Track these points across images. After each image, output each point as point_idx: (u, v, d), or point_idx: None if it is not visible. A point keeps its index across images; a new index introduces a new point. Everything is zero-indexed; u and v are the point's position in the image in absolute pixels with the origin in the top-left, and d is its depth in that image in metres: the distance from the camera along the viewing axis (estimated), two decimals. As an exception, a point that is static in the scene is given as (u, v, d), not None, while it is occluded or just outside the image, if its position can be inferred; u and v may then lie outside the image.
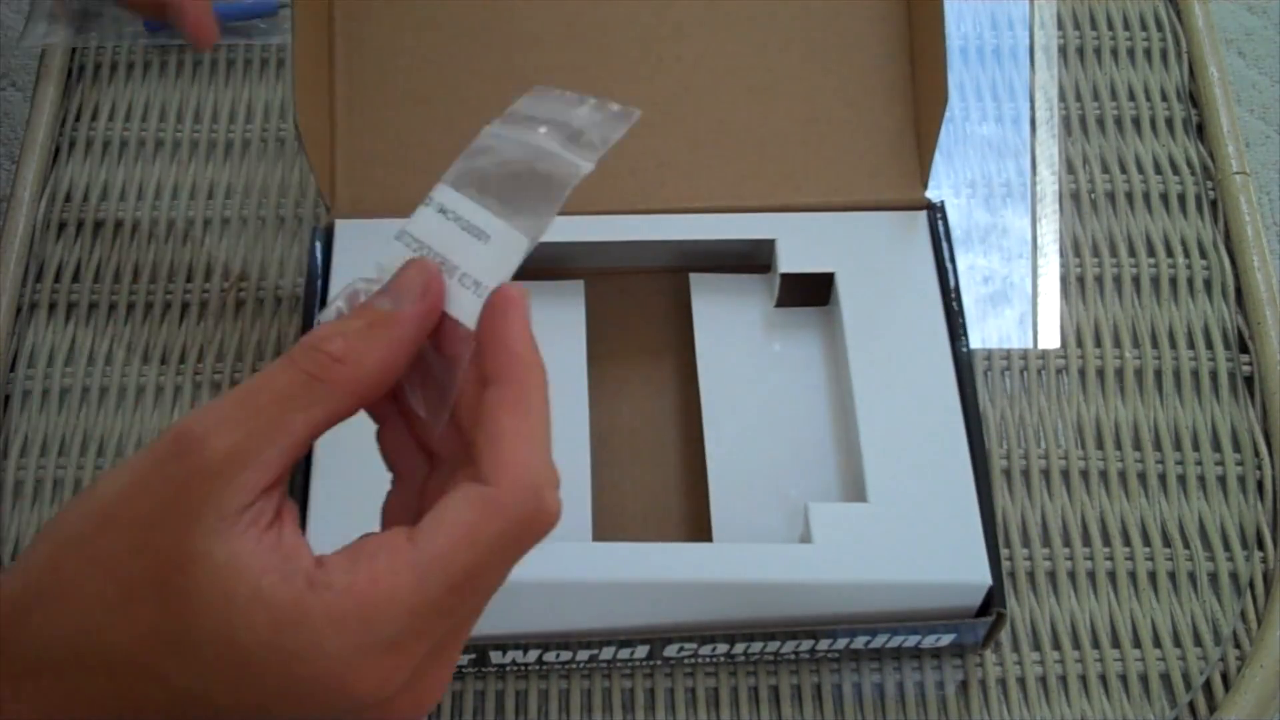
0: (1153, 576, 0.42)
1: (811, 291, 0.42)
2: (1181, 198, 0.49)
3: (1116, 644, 0.41)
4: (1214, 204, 0.49)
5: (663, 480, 0.41)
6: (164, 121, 0.51)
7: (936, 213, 0.43)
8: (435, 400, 0.25)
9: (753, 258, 0.43)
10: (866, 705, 0.40)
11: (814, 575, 0.36)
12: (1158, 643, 0.41)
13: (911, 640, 0.38)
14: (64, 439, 0.45)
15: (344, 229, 0.42)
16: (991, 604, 0.37)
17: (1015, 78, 0.51)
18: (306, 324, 0.41)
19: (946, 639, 0.38)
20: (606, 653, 0.38)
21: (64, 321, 0.47)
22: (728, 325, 0.43)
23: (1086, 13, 0.53)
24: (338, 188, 0.43)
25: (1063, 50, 0.52)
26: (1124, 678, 0.41)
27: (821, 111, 0.42)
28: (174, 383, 0.45)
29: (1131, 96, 0.51)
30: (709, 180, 0.43)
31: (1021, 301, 0.47)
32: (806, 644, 0.38)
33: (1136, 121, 0.50)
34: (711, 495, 0.40)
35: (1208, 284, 0.47)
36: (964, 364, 0.40)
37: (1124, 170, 0.49)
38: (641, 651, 0.38)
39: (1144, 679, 0.41)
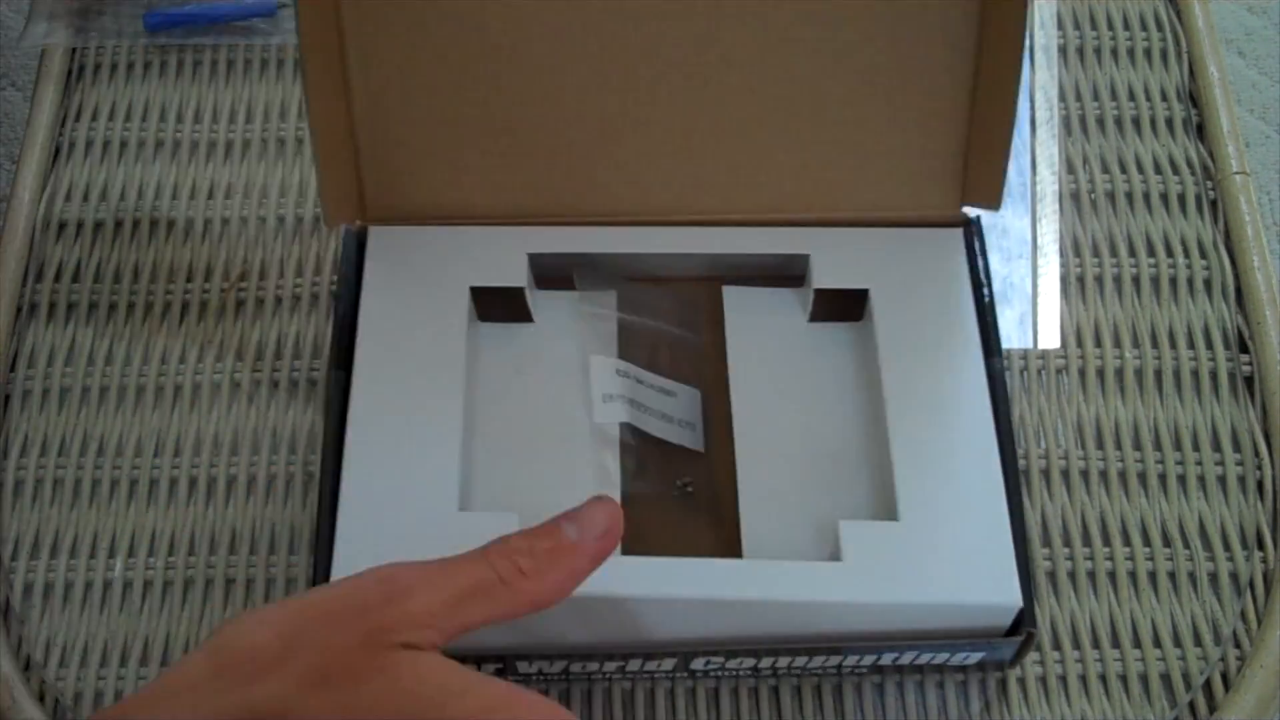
0: (1153, 576, 0.42)
1: (846, 307, 0.42)
2: (1181, 198, 0.49)
3: (1116, 644, 0.41)
4: (1214, 204, 0.49)
5: (693, 495, 0.41)
6: (164, 121, 0.51)
7: (974, 229, 0.42)
8: None
9: (787, 270, 0.43)
10: (867, 704, 0.40)
11: (844, 594, 0.36)
12: (1158, 643, 0.41)
13: (940, 657, 0.38)
14: (64, 439, 0.45)
15: (378, 236, 0.42)
16: (1022, 624, 0.36)
17: (1015, 78, 0.51)
18: (339, 330, 0.40)
19: (975, 657, 0.38)
20: (633, 665, 0.38)
21: (64, 321, 0.47)
22: (760, 339, 0.42)
23: (1086, 13, 0.53)
24: (367, 194, 0.42)
25: (1063, 50, 0.52)
26: (1124, 678, 0.41)
27: (861, 126, 0.42)
28: (174, 383, 0.46)
29: (1131, 96, 0.51)
30: (744, 193, 0.42)
31: (1021, 301, 0.47)
32: (834, 659, 0.38)
33: (1136, 121, 0.50)
34: (742, 511, 0.39)
35: (1208, 284, 0.47)
36: (999, 381, 0.39)
37: (1124, 170, 0.49)
38: (668, 664, 0.38)
39: (1144, 679, 0.41)
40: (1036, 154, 0.50)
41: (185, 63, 0.52)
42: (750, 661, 0.37)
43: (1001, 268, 0.48)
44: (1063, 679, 0.41)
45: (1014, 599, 0.36)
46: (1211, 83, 0.51)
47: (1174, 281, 0.47)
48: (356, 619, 0.27)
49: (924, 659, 0.38)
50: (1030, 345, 0.46)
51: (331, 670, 0.27)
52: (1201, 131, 0.50)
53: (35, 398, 0.45)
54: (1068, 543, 0.43)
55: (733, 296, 0.43)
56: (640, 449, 0.41)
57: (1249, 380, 0.45)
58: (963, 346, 0.40)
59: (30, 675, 0.41)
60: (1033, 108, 0.51)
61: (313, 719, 0.26)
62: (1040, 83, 0.51)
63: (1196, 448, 0.44)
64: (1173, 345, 0.46)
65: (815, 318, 0.42)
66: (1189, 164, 0.49)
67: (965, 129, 0.41)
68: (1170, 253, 0.48)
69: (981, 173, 0.41)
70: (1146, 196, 0.49)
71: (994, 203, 0.41)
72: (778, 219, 0.42)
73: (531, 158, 0.42)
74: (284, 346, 0.46)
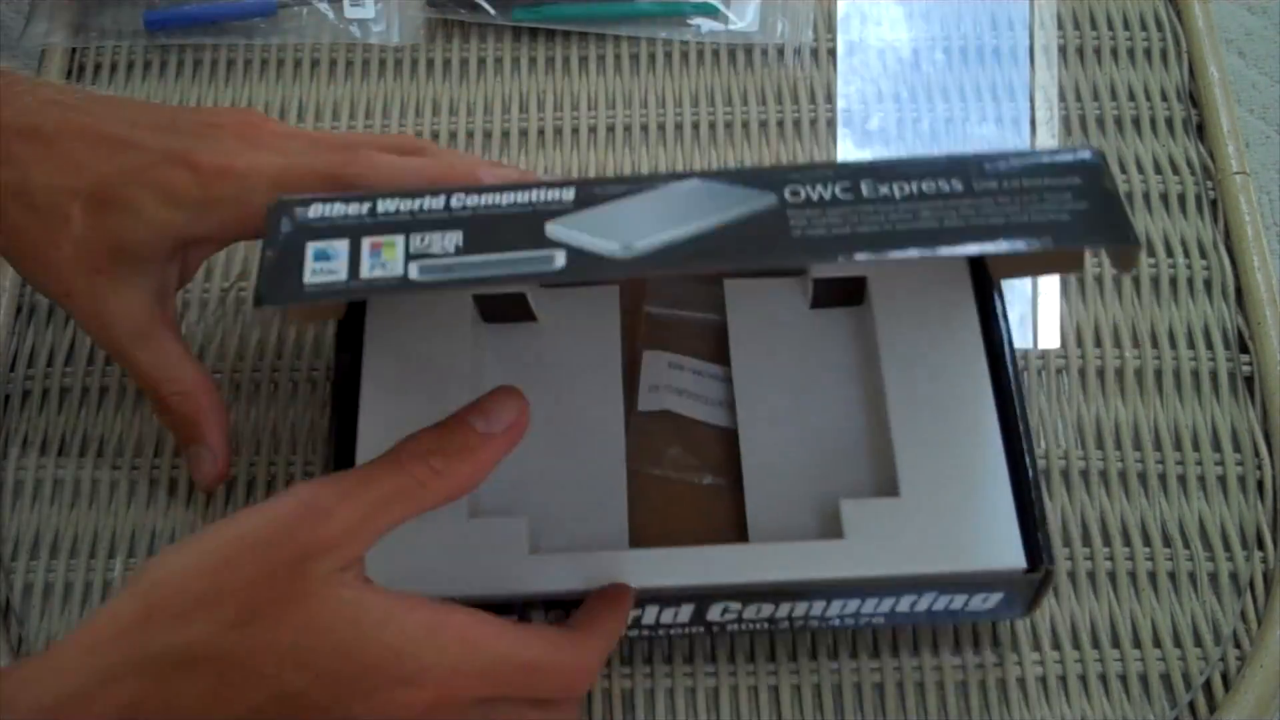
0: (1153, 576, 0.42)
1: (845, 293, 0.42)
2: (1181, 198, 0.49)
3: (1116, 644, 0.41)
4: (1214, 204, 0.49)
5: (698, 482, 0.41)
6: (164, 121, 0.51)
7: None
8: None
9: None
10: (866, 704, 0.40)
11: (847, 570, 0.36)
12: (1158, 643, 0.41)
13: (958, 601, 0.38)
14: (64, 439, 0.45)
15: None
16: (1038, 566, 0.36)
17: (1015, 78, 0.51)
18: (341, 338, 0.40)
19: (995, 598, 0.38)
20: (649, 616, 0.38)
21: (64, 322, 0.47)
22: (761, 328, 0.43)
23: (1086, 13, 0.53)
24: None
25: (1063, 50, 0.52)
26: (1124, 678, 0.41)
27: None
28: (174, 383, 0.45)
29: (1131, 96, 0.51)
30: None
31: (1021, 301, 0.47)
32: (852, 605, 0.38)
33: (1136, 121, 0.50)
34: (747, 497, 0.40)
35: (1208, 284, 0.47)
36: (1000, 351, 0.39)
37: (1124, 170, 0.49)
38: (685, 613, 0.38)
39: (1144, 679, 0.41)
40: (1036, 154, 0.50)
41: (185, 63, 0.52)
42: (769, 609, 0.38)
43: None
44: (1063, 679, 0.41)
45: (1018, 561, 0.36)
46: (1211, 83, 0.51)
47: (1174, 281, 0.47)
48: (280, 546, 0.28)
49: (941, 603, 0.38)
50: (1030, 345, 0.46)
51: (258, 605, 0.27)
52: (1201, 131, 0.50)
53: (35, 398, 0.45)
54: (1067, 543, 0.43)
55: (733, 289, 0.43)
56: (654, 438, 0.41)
57: (1249, 380, 0.45)
58: (962, 322, 0.40)
59: (30, 675, 0.41)
60: (1033, 108, 0.51)
61: (243, 657, 0.27)
62: (1040, 83, 0.51)
63: (1196, 448, 0.44)
64: (1173, 345, 0.46)
65: (816, 304, 0.43)
66: (1189, 164, 0.49)
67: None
68: (1170, 253, 0.48)
69: None
70: (1146, 196, 0.49)
71: None
72: None
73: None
74: (284, 346, 0.46)
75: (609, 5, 0.52)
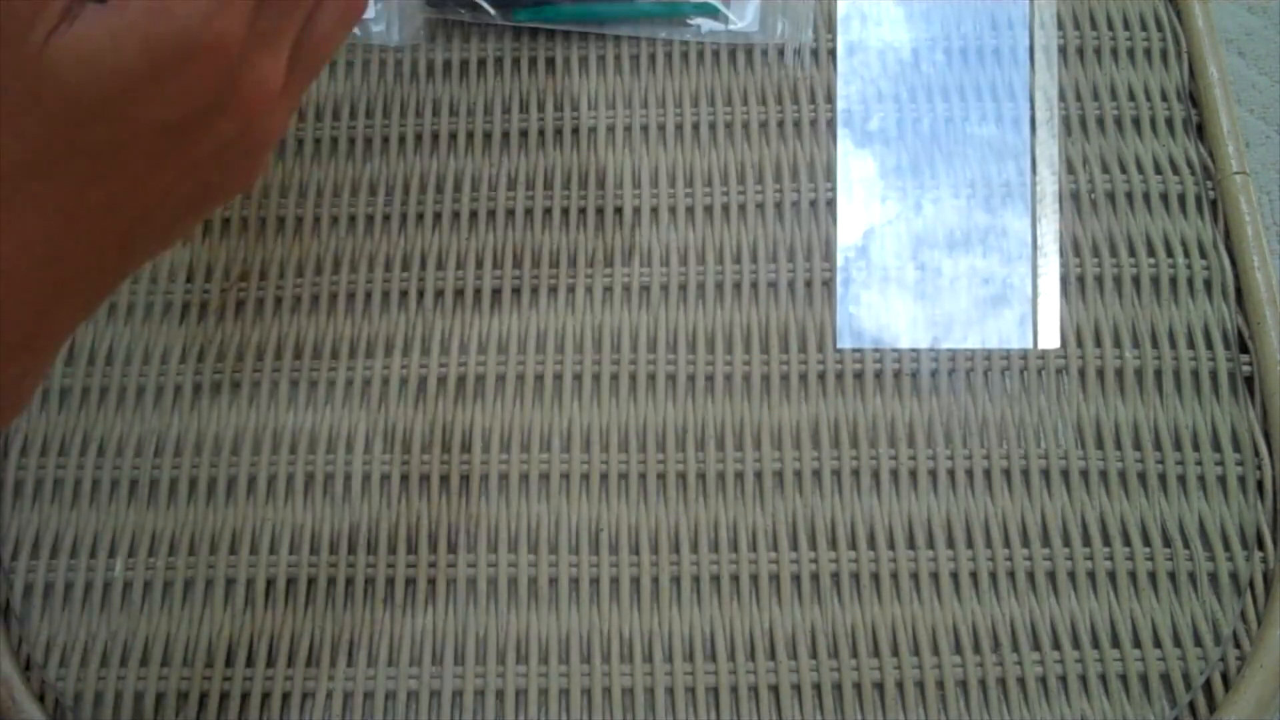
0: (1153, 576, 0.42)
1: None
2: (1181, 198, 0.49)
3: (1116, 644, 0.41)
4: (1214, 204, 0.49)
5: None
6: (164, 121, 0.51)
7: None
8: None
9: None
10: (867, 704, 0.40)
11: None
12: (1158, 643, 0.41)
13: None
14: (64, 439, 0.45)
15: None
16: None
17: (1015, 78, 0.51)
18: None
19: None
20: None
21: (64, 321, 0.47)
22: None
23: (1086, 13, 0.53)
24: None
25: (1063, 50, 0.52)
26: (1124, 678, 0.41)
27: None
28: (174, 383, 0.46)
29: (1131, 96, 0.51)
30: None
31: (1021, 302, 0.47)
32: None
33: (1136, 121, 0.50)
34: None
35: (1207, 284, 0.47)
36: None
37: (1124, 170, 0.49)
38: None
39: (1144, 679, 0.41)
40: (1036, 154, 0.50)
41: (185, 63, 0.52)
42: None
43: (1001, 268, 0.48)
44: (1063, 679, 0.41)
45: None
46: (1211, 83, 0.51)
47: (1174, 281, 0.47)
48: None
49: None
50: (1030, 345, 0.46)
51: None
52: (1201, 131, 0.50)
53: (35, 398, 0.45)
54: (1068, 543, 0.43)
55: None
56: None
57: (1249, 380, 0.45)
58: None
59: (30, 675, 0.41)
60: (1033, 108, 0.51)
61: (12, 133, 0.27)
62: (1040, 83, 0.51)
63: (1196, 448, 0.44)
64: (1173, 345, 0.46)
65: None
66: (1189, 164, 0.49)
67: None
68: (1170, 253, 0.48)
69: None
70: (1146, 196, 0.49)
71: None
72: None
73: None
74: (284, 346, 0.46)
75: (609, 5, 0.52)
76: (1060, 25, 0.52)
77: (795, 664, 0.41)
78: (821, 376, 0.45)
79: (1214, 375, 0.45)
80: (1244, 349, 0.46)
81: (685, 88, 0.51)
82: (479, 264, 0.47)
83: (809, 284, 0.47)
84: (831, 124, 0.50)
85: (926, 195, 0.49)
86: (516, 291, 0.47)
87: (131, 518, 0.43)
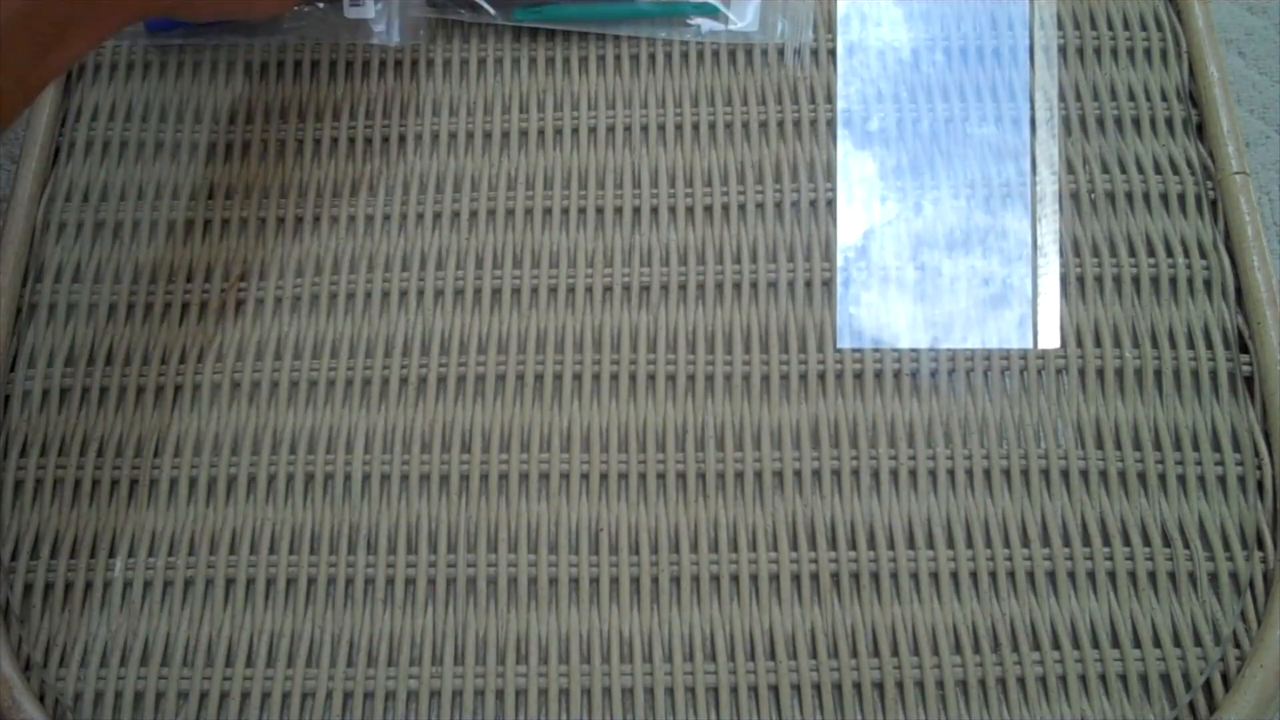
0: (1153, 576, 0.42)
1: None
2: (1181, 198, 0.49)
3: (1116, 644, 0.41)
4: (1214, 204, 0.49)
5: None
6: (164, 121, 0.51)
7: None
8: None
9: None
10: (866, 704, 0.40)
11: None
12: (1158, 643, 0.41)
13: None
14: (64, 439, 0.45)
15: None
16: None
17: (1015, 78, 0.51)
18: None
19: None
20: None
21: (64, 321, 0.47)
22: None
23: (1086, 13, 0.53)
24: None
25: (1063, 50, 0.52)
26: (1124, 678, 0.41)
27: None
28: (174, 383, 0.46)
29: (1131, 96, 0.51)
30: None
31: (1021, 302, 0.47)
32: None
33: (1136, 121, 0.50)
34: None
35: (1208, 284, 0.47)
36: None
37: (1124, 170, 0.49)
38: None
39: (1144, 679, 0.41)
40: (1036, 154, 0.50)
41: (185, 63, 0.52)
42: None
43: (1001, 268, 0.48)
44: (1062, 679, 0.41)
45: None
46: (1211, 83, 0.51)
47: (1174, 281, 0.47)
48: None
49: None
50: (1030, 345, 0.46)
51: None
52: (1201, 131, 0.50)
53: (35, 398, 0.45)
54: (1068, 543, 0.43)
55: None
56: None
57: (1249, 380, 0.45)
58: None
59: (30, 675, 0.41)
60: (1033, 108, 0.51)
61: None
62: (1040, 83, 0.51)
63: (1196, 448, 0.44)
64: (1173, 345, 0.46)
65: None
66: (1189, 164, 0.49)
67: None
68: (1170, 253, 0.48)
69: None
70: (1146, 196, 0.49)
71: None
72: None
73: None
74: (284, 346, 0.46)
75: (609, 5, 0.52)
76: (1060, 25, 0.52)
77: (795, 664, 0.41)
78: (821, 376, 0.45)
79: (1214, 375, 0.45)
80: (1244, 349, 0.46)
81: (685, 88, 0.51)
82: (479, 264, 0.47)
83: (809, 284, 0.47)
84: (831, 124, 0.50)
85: (926, 195, 0.49)
86: (516, 291, 0.47)
87: (131, 518, 0.43)
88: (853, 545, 0.43)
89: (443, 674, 0.41)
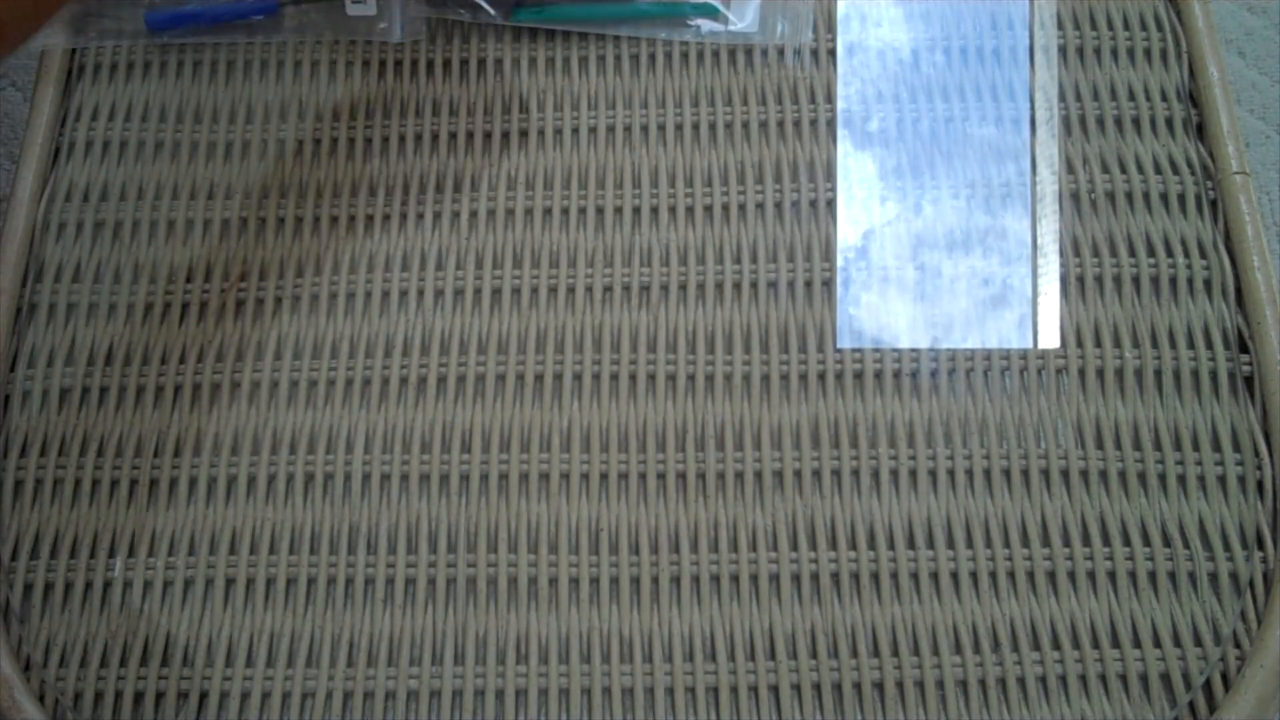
0: (1153, 576, 0.42)
1: None
2: (1181, 198, 0.49)
3: (1116, 644, 0.41)
4: (1214, 204, 0.49)
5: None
6: (164, 121, 0.51)
7: None
8: None
9: None
10: (866, 704, 0.40)
11: None
12: (1158, 643, 0.41)
13: None
14: (64, 439, 0.45)
15: None
16: None
17: (1015, 78, 0.51)
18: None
19: None
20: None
21: (64, 321, 0.47)
22: None
23: (1086, 13, 0.53)
24: None
25: (1063, 50, 0.52)
26: (1124, 678, 0.41)
27: None
28: (174, 383, 0.46)
29: (1131, 96, 0.51)
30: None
31: (1021, 302, 0.47)
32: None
33: (1136, 121, 0.50)
34: None
35: (1207, 284, 0.47)
36: None
37: (1124, 170, 0.49)
38: None
39: (1144, 679, 0.41)
40: (1036, 154, 0.50)
41: (185, 63, 0.52)
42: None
43: (1001, 269, 0.48)
44: (1063, 679, 0.41)
45: None
46: (1211, 83, 0.51)
47: (1174, 281, 0.47)
48: None
49: None
50: (1030, 345, 0.46)
51: None
52: (1201, 131, 0.50)
53: (35, 398, 0.45)
54: (1068, 543, 0.43)
55: None
56: None
57: (1249, 380, 0.45)
58: None
59: (30, 675, 0.41)
60: (1033, 108, 0.51)
61: None
62: (1040, 83, 0.51)
63: (1196, 448, 0.44)
64: (1173, 345, 0.46)
65: None
66: (1189, 164, 0.49)
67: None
68: (1170, 253, 0.48)
69: None
70: (1146, 196, 0.49)
71: None
72: None
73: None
74: (284, 346, 0.46)
75: (609, 6, 0.52)
76: (1060, 25, 0.52)
77: (795, 664, 0.41)
78: (821, 376, 0.45)
79: (1214, 375, 0.45)
80: (1244, 349, 0.46)
81: (685, 88, 0.51)
82: (479, 264, 0.47)
83: (809, 284, 0.47)
84: (831, 124, 0.50)
85: (926, 195, 0.49)
86: (516, 291, 0.47)
87: (131, 518, 0.43)
88: (853, 545, 0.43)
89: (443, 674, 0.41)
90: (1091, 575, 0.42)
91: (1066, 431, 0.45)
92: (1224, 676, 0.41)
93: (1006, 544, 0.43)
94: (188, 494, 0.44)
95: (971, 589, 0.42)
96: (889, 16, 0.53)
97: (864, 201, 0.49)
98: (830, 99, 0.51)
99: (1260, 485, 0.44)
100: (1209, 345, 0.46)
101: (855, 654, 0.41)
